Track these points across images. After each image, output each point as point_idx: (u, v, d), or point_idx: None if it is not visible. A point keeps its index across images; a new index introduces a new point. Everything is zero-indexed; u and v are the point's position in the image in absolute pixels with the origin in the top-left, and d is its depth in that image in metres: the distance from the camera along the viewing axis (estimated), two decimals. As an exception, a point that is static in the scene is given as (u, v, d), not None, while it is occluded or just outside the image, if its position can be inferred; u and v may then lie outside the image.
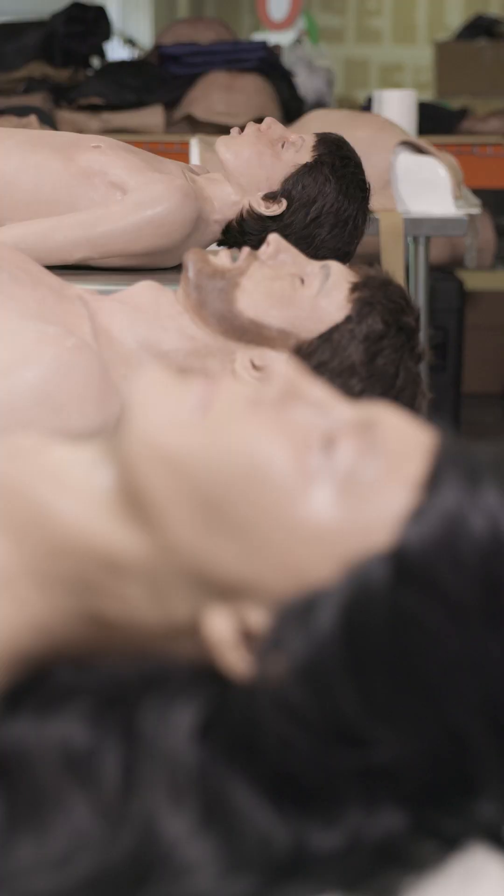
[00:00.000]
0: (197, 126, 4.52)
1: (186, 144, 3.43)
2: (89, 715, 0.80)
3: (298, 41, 5.67)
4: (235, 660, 0.80)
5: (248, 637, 0.80)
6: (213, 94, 4.73)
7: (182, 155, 3.35)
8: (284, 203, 2.39)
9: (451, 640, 0.76)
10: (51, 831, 0.76)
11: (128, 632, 0.83)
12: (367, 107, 4.24)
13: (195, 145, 3.28)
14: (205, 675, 0.81)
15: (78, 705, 0.80)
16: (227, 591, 0.80)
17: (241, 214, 2.40)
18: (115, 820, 0.76)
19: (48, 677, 0.83)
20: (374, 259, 2.82)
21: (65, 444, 0.89)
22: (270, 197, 2.40)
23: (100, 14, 5.45)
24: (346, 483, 0.80)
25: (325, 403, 0.85)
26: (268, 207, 2.39)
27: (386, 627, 0.77)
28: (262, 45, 4.96)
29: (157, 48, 5.13)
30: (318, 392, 0.85)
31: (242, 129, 2.45)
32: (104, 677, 0.82)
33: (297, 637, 0.77)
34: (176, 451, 0.81)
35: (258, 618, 0.79)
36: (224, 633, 0.80)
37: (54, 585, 0.83)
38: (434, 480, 0.80)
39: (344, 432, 0.82)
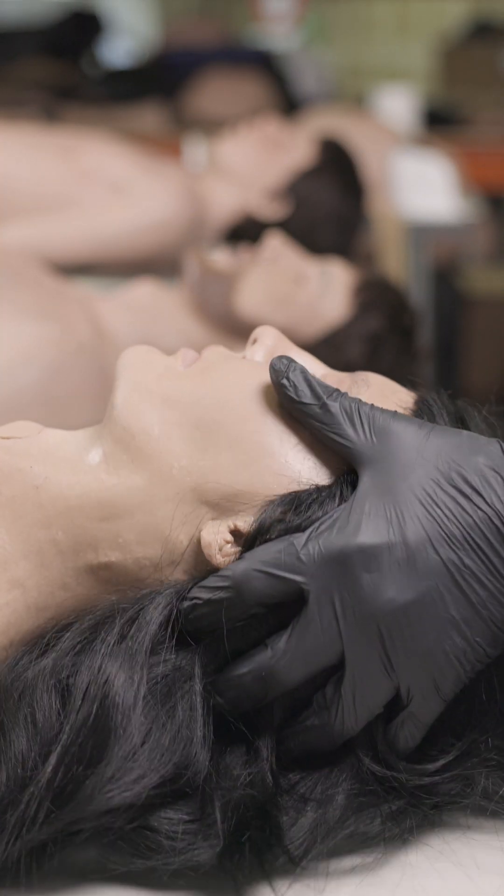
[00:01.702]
0: (196, 126, 4.52)
1: (185, 144, 3.43)
2: (71, 642, 0.81)
3: (298, 38, 5.67)
4: (228, 555, 0.81)
5: (242, 539, 0.81)
6: (213, 93, 4.73)
7: (181, 155, 3.35)
8: (285, 204, 2.39)
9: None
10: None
11: (125, 573, 0.84)
12: (367, 104, 4.24)
13: (194, 145, 3.28)
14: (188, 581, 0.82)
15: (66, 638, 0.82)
16: (222, 504, 0.82)
17: (242, 215, 2.41)
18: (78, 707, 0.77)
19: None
20: (373, 259, 2.82)
21: (57, 430, 0.91)
22: (271, 197, 2.40)
23: (100, 14, 5.46)
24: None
25: (309, 367, 0.88)
26: (268, 208, 2.39)
27: None
28: (262, 45, 4.96)
29: (158, 48, 5.12)
30: (303, 358, 0.89)
31: (239, 128, 2.45)
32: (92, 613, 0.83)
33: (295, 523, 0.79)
34: (167, 391, 0.85)
35: (251, 521, 0.81)
36: (217, 538, 0.81)
37: (49, 554, 0.84)
38: (422, 409, 0.85)
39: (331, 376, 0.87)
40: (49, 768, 0.75)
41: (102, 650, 0.78)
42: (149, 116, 4.65)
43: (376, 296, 1.73)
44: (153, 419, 0.84)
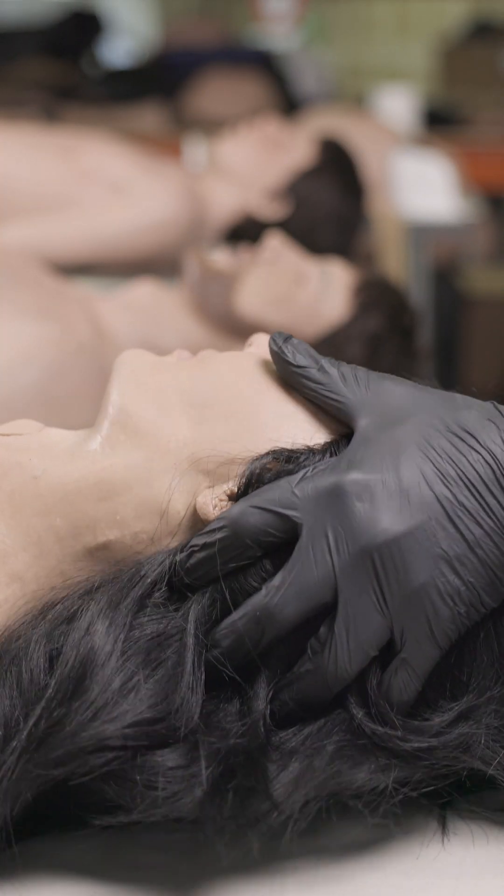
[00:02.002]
0: (196, 126, 4.52)
1: (185, 144, 3.43)
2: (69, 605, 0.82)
3: (298, 38, 5.67)
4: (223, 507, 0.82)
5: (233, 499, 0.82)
6: (213, 93, 4.73)
7: (181, 155, 3.35)
8: (285, 204, 2.39)
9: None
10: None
11: (124, 548, 0.84)
12: (367, 104, 4.24)
13: (194, 145, 3.28)
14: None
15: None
16: (218, 472, 0.82)
17: (242, 215, 2.41)
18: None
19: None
20: (373, 259, 2.82)
21: (57, 428, 0.91)
22: (271, 197, 2.40)
23: (100, 14, 5.46)
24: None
25: None
26: (268, 208, 2.39)
27: None
28: (262, 45, 4.96)
29: (158, 48, 5.13)
30: None
31: (239, 128, 2.45)
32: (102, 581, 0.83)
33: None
34: (163, 380, 0.86)
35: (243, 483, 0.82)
36: (212, 500, 0.81)
37: (48, 542, 0.85)
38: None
39: None
40: (31, 721, 0.74)
41: (92, 608, 0.78)
42: (149, 116, 4.65)
43: (376, 296, 1.73)
44: (149, 400, 0.85)
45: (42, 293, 1.70)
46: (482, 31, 5.77)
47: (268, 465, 0.80)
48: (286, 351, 0.83)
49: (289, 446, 0.81)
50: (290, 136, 2.51)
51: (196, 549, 0.79)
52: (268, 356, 0.86)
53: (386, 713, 0.78)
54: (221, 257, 1.82)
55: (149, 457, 0.83)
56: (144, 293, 1.80)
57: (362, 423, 0.80)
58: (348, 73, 6.43)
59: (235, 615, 0.78)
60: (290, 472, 0.79)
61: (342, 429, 0.82)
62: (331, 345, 1.68)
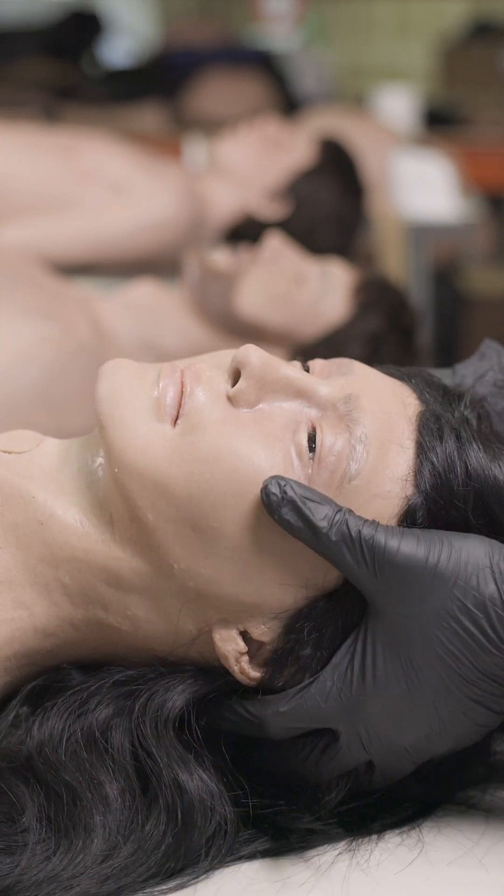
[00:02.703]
0: (196, 126, 4.52)
1: (185, 144, 3.43)
2: (109, 710, 0.81)
3: (298, 38, 5.66)
4: (245, 671, 0.81)
5: (256, 645, 0.81)
6: (213, 93, 4.73)
7: (181, 155, 3.35)
8: (285, 204, 2.39)
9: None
10: (89, 830, 0.78)
11: (136, 642, 0.83)
12: (367, 104, 4.24)
13: (194, 145, 3.28)
14: (210, 672, 0.83)
15: (99, 703, 0.82)
16: (229, 611, 0.81)
17: (242, 215, 2.40)
18: (140, 797, 0.80)
19: (62, 678, 0.84)
20: (373, 259, 2.82)
21: (55, 442, 0.88)
22: (271, 197, 2.40)
23: (100, 14, 5.45)
24: (336, 489, 0.80)
25: (301, 388, 0.83)
26: (268, 208, 2.39)
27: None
28: (262, 45, 4.96)
29: (158, 48, 5.13)
30: (293, 376, 0.83)
31: (239, 128, 2.45)
32: (119, 680, 0.82)
33: (313, 651, 0.80)
34: (156, 474, 0.80)
35: (263, 630, 0.81)
36: (231, 647, 0.81)
37: (57, 593, 0.83)
38: (423, 469, 0.81)
39: (326, 423, 0.82)
40: (129, 855, 0.78)
41: (140, 732, 0.81)
42: (149, 116, 4.65)
43: (376, 296, 1.73)
44: (146, 507, 0.80)
45: (42, 293, 1.70)
46: (482, 31, 5.77)
47: (290, 655, 0.80)
48: (282, 523, 0.77)
49: (303, 590, 0.79)
50: (290, 136, 2.51)
51: (228, 722, 0.82)
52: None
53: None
54: (221, 257, 1.82)
55: (154, 573, 0.81)
56: (144, 293, 1.80)
57: (372, 616, 0.78)
58: (348, 73, 6.43)
59: (267, 766, 0.84)
60: (311, 666, 0.80)
61: None
62: (331, 345, 1.68)
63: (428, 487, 0.80)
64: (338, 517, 0.77)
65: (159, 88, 4.90)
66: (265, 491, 0.77)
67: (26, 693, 0.84)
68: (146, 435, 0.80)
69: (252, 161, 2.42)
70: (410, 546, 0.77)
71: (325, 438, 0.80)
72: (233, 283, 1.74)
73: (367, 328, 1.70)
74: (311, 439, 0.81)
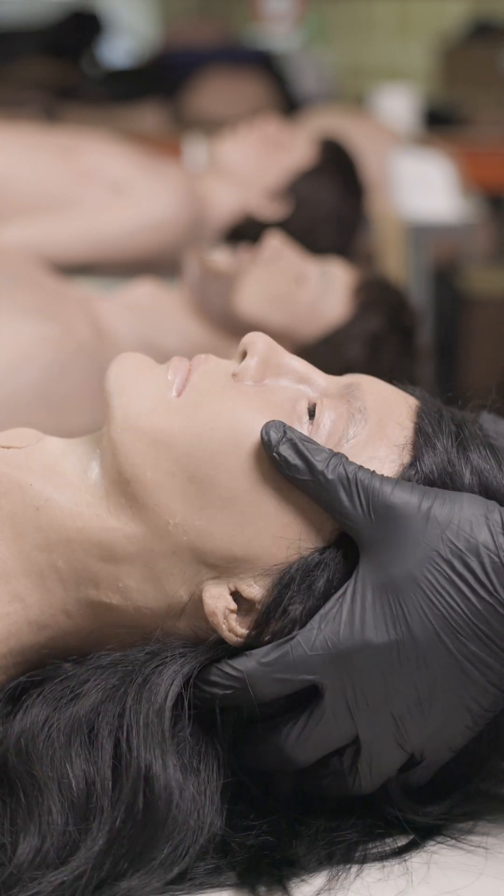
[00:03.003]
0: (196, 126, 4.52)
1: (185, 144, 3.43)
2: (97, 696, 0.81)
3: (298, 38, 5.66)
4: (233, 629, 0.81)
5: (246, 606, 0.81)
6: (213, 93, 4.73)
7: (181, 155, 3.35)
8: (285, 204, 2.39)
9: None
10: (50, 817, 0.78)
11: (127, 617, 0.84)
12: (367, 104, 4.24)
13: (194, 145, 3.28)
14: (199, 645, 0.83)
15: (87, 692, 0.82)
16: (221, 566, 0.81)
17: (242, 215, 2.40)
18: (111, 787, 0.79)
19: (50, 672, 0.84)
20: (373, 259, 2.82)
21: (56, 439, 0.90)
22: (271, 197, 2.40)
23: (100, 14, 5.45)
24: (333, 448, 0.82)
25: (303, 374, 0.86)
26: (268, 208, 2.39)
27: None
28: (262, 45, 4.96)
29: (158, 48, 5.13)
30: (296, 363, 0.87)
31: (239, 128, 2.45)
32: (106, 665, 0.82)
33: (302, 604, 0.79)
34: (159, 432, 0.82)
35: (254, 588, 0.81)
36: (220, 605, 0.81)
37: (50, 579, 0.84)
38: (420, 442, 0.82)
39: (326, 400, 0.84)
40: (96, 849, 0.76)
41: (127, 722, 0.79)
42: (149, 116, 4.65)
43: (376, 296, 1.73)
44: (146, 465, 0.82)
45: (42, 293, 1.70)
46: (482, 31, 5.77)
47: (279, 607, 0.79)
48: (279, 461, 0.79)
49: (295, 546, 0.80)
50: (290, 136, 2.51)
51: (213, 693, 0.80)
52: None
53: (402, 800, 0.83)
54: (221, 257, 1.82)
55: (148, 534, 0.82)
56: (144, 293, 1.80)
57: (366, 560, 0.78)
58: (348, 73, 6.43)
59: (258, 753, 0.82)
60: (301, 618, 0.79)
61: None
62: (331, 345, 1.68)
63: (426, 463, 0.82)
64: (335, 459, 0.79)
65: (159, 88, 4.89)
66: (266, 429, 0.80)
67: (9, 691, 0.84)
68: (153, 400, 0.83)
69: (252, 161, 2.42)
70: (405, 491, 0.78)
71: (325, 410, 0.83)
72: (233, 283, 1.74)
73: (367, 328, 1.70)
74: (311, 413, 0.83)
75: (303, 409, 0.84)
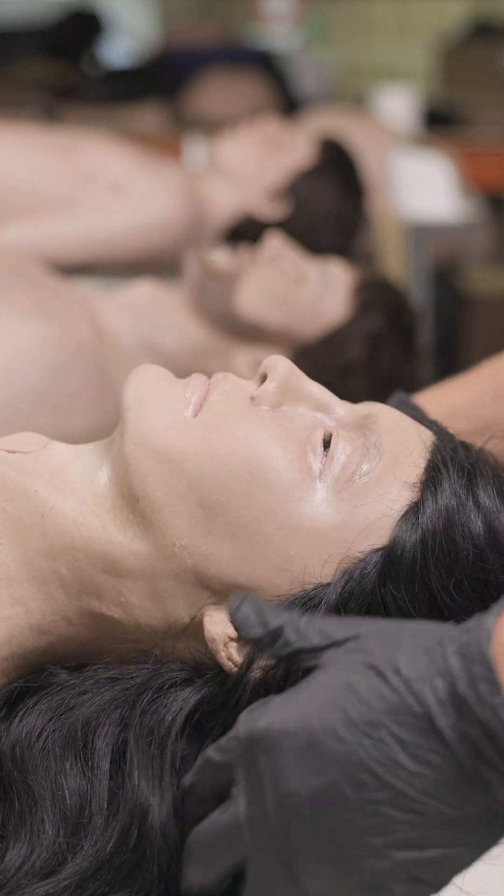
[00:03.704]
0: (196, 126, 4.52)
1: (185, 144, 3.43)
2: (92, 713, 0.81)
3: (298, 38, 5.66)
4: (231, 657, 0.81)
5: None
6: (213, 93, 4.73)
7: (181, 155, 3.35)
8: (285, 204, 2.39)
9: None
10: (41, 832, 0.77)
11: (127, 632, 0.83)
12: (367, 104, 4.24)
13: (194, 145, 3.28)
14: (202, 672, 0.82)
15: (84, 705, 0.81)
16: (224, 592, 0.81)
17: (242, 215, 2.40)
18: (106, 808, 0.78)
19: (47, 679, 0.84)
20: (373, 259, 2.82)
21: (63, 444, 0.89)
22: (271, 197, 2.40)
23: (100, 14, 5.45)
24: (346, 483, 0.82)
25: (322, 402, 0.86)
26: (268, 208, 2.39)
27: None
28: (262, 45, 4.96)
29: (158, 48, 5.12)
30: (316, 390, 0.87)
31: (239, 128, 2.45)
32: (104, 679, 0.82)
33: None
34: (173, 451, 0.82)
35: None
36: (220, 631, 0.81)
37: (53, 586, 0.84)
38: (431, 480, 0.82)
39: (342, 432, 0.84)
40: (84, 866, 0.75)
41: (130, 748, 0.78)
42: (149, 116, 4.65)
43: (376, 296, 1.73)
44: (157, 484, 0.82)
45: (42, 293, 1.70)
46: (482, 31, 5.77)
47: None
48: (238, 627, 0.73)
49: (299, 579, 0.79)
50: (290, 136, 2.51)
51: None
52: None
53: None
54: (221, 257, 1.82)
55: (153, 553, 0.82)
56: (144, 293, 1.80)
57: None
58: (348, 73, 6.43)
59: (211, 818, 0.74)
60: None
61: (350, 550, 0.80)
62: (331, 345, 1.68)
63: (433, 504, 0.81)
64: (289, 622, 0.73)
65: (159, 88, 4.89)
66: (230, 601, 0.75)
67: (7, 694, 0.84)
68: (169, 418, 0.83)
69: (252, 161, 2.42)
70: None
71: (340, 441, 0.83)
72: (233, 283, 1.74)
73: (367, 328, 1.70)
74: (326, 444, 0.83)
75: (318, 439, 0.83)
